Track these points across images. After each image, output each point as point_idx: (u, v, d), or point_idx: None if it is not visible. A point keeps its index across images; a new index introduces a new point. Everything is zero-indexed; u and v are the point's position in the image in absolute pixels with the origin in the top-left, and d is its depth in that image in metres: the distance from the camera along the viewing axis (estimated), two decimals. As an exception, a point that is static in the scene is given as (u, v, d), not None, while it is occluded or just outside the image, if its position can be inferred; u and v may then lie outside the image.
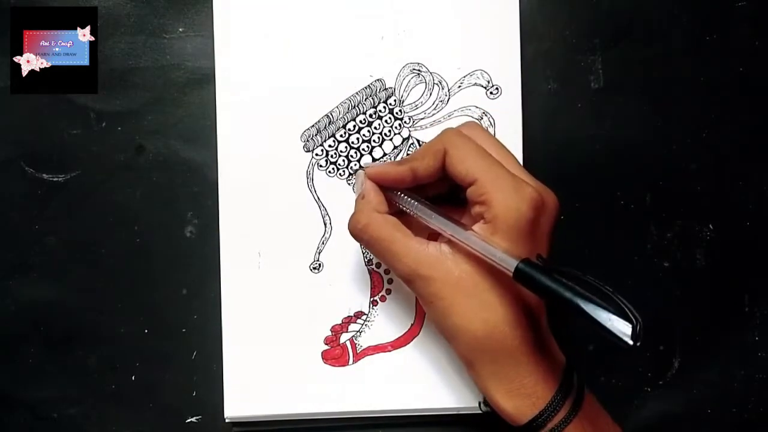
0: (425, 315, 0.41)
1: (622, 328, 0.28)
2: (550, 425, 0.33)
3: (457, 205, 0.37)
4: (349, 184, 0.41)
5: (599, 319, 0.29)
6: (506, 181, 0.34)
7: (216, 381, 0.41)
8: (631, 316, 0.28)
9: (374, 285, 0.41)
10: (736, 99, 0.43)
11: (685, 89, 0.43)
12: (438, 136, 0.37)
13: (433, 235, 0.36)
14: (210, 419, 0.42)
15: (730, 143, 0.43)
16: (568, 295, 0.30)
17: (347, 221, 0.37)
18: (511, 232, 0.33)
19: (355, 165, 0.41)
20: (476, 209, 0.34)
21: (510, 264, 0.31)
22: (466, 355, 0.35)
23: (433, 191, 0.38)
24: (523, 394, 0.34)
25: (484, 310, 0.34)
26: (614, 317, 0.28)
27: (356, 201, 0.37)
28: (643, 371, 0.43)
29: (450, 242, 0.35)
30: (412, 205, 0.36)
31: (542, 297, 0.32)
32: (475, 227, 0.34)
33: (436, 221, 0.35)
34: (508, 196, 0.33)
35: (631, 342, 0.28)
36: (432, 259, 0.34)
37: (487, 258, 0.33)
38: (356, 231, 0.36)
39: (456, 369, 0.41)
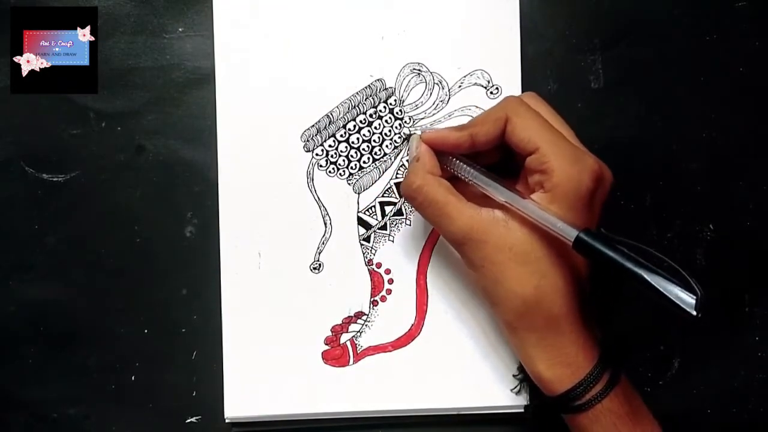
0: (426, 314, 0.41)
1: (686, 299, 0.28)
2: (587, 396, 0.33)
3: (507, 176, 0.37)
4: (349, 184, 0.41)
5: (663, 291, 0.29)
6: (568, 151, 0.34)
7: (216, 381, 0.41)
8: (695, 287, 0.28)
9: (374, 285, 0.41)
10: (736, 99, 0.43)
11: (685, 89, 0.43)
12: (499, 103, 0.37)
13: (482, 203, 0.36)
14: (210, 419, 0.42)
15: (730, 143, 0.43)
16: (631, 265, 0.30)
17: (347, 222, 0.37)
18: (570, 201, 0.33)
19: (355, 165, 0.41)
20: (535, 178, 0.35)
21: (570, 233, 0.32)
22: (511, 322, 0.35)
23: (486, 161, 0.38)
24: (564, 363, 0.34)
25: (535, 277, 0.34)
26: (678, 289, 0.28)
27: (410, 163, 0.38)
28: (643, 371, 0.43)
29: (503, 208, 0.35)
30: (468, 172, 0.36)
31: (603, 267, 0.32)
32: (533, 196, 0.34)
33: (492, 188, 0.35)
34: (570, 165, 0.34)
35: (694, 313, 0.28)
36: (485, 223, 0.34)
37: (546, 226, 0.33)
38: (409, 191, 0.36)
39: (456, 369, 0.41)
